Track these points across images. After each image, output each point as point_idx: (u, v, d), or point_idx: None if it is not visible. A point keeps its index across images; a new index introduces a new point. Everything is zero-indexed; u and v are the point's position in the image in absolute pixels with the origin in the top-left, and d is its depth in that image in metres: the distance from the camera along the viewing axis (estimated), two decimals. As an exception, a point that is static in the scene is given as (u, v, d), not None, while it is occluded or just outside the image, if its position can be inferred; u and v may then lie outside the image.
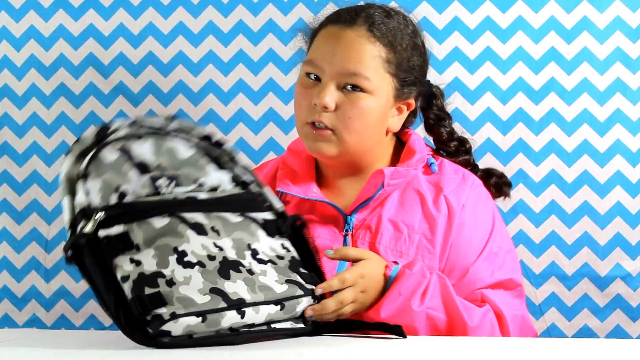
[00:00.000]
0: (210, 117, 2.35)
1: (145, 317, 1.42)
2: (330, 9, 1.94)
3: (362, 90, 1.81)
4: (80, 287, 2.38)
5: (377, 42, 1.83)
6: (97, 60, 2.38)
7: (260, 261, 1.55)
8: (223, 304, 1.46)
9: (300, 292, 1.55)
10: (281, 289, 1.54)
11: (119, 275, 1.44)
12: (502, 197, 2.02)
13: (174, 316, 1.42)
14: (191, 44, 2.36)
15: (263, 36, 2.34)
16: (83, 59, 2.38)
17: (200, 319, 1.43)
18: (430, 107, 1.99)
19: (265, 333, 1.52)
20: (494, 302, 1.81)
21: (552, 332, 2.27)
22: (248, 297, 1.48)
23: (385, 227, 1.85)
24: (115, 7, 2.37)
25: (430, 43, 2.28)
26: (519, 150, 2.28)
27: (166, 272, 1.44)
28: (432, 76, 2.26)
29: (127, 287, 1.43)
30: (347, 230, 1.86)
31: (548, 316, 2.27)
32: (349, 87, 1.81)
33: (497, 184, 2.02)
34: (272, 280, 1.54)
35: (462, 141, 2.02)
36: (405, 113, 1.90)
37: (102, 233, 1.45)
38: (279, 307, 1.52)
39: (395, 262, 1.75)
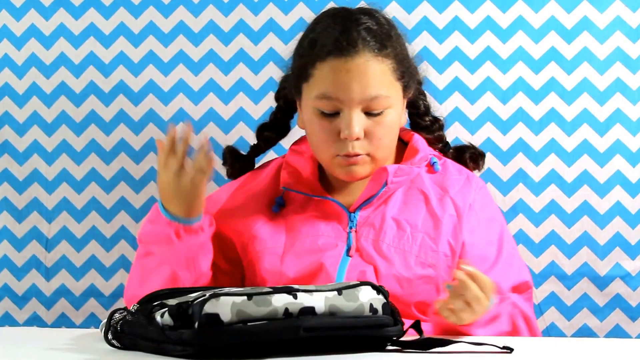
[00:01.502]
0: (210, 116, 2.35)
1: (187, 311, 1.37)
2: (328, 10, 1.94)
3: (384, 108, 1.83)
4: (80, 285, 2.38)
5: (384, 59, 1.84)
6: (97, 59, 2.38)
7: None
8: (268, 290, 1.40)
9: (356, 282, 1.48)
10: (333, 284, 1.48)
11: (157, 317, 1.41)
12: (478, 170, 2.03)
13: (213, 295, 1.35)
14: (192, 43, 2.36)
15: (264, 35, 2.34)
16: (84, 58, 2.38)
17: (245, 297, 1.37)
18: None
19: (333, 322, 1.41)
20: (521, 307, 1.82)
21: (551, 331, 2.27)
22: (297, 286, 1.43)
23: (389, 225, 1.85)
24: (115, 5, 2.37)
25: (430, 43, 2.30)
26: (519, 150, 2.29)
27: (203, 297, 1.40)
28: (432, 76, 2.28)
29: (164, 314, 1.41)
30: (350, 228, 1.87)
31: (547, 315, 2.27)
32: (372, 111, 1.82)
33: (472, 155, 2.02)
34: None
35: (437, 119, 2.03)
36: (405, 102, 1.92)
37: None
38: (335, 292, 1.44)
39: None
